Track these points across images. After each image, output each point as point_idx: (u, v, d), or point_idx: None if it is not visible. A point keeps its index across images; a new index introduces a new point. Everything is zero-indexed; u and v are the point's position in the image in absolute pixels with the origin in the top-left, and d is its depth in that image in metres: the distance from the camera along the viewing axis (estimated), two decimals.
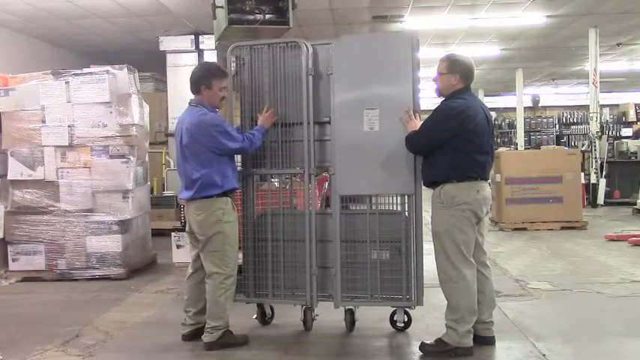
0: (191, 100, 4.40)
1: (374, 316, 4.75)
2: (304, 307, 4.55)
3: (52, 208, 6.69)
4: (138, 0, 9.21)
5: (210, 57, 7.84)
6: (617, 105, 23.04)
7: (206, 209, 4.24)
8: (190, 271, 4.49)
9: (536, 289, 5.79)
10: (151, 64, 11.21)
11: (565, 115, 23.76)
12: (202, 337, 4.29)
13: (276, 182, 5.07)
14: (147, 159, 7.55)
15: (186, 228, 4.47)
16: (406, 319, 4.52)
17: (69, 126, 6.64)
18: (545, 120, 23.62)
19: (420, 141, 4.11)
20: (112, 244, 6.65)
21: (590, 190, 12.19)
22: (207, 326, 4.28)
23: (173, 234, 7.06)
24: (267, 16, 5.07)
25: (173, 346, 4.36)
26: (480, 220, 4.12)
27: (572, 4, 10.24)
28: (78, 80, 6.66)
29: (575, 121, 23.50)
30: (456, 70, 4.13)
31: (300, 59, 4.44)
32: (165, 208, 9.38)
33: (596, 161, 12.31)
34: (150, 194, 8.03)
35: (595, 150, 12.36)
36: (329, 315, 4.66)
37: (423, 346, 4.08)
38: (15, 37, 10.90)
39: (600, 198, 12.26)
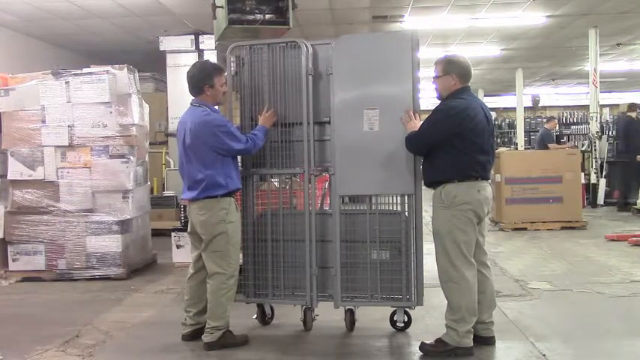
0: (193, 100, 4.40)
1: (374, 316, 4.76)
2: (304, 307, 4.55)
3: (52, 208, 6.69)
4: (138, 0, 9.22)
5: (210, 57, 7.83)
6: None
7: (209, 209, 4.24)
8: (191, 271, 4.49)
9: (536, 289, 5.78)
10: (151, 64, 11.21)
11: (565, 115, 23.76)
12: (202, 337, 4.29)
13: (276, 182, 5.08)
14: (147, 159, 7.55)
15: (188, 228, 4.47)
16: (406, 319, 4.52)
17: (69, 126, 6.64)
18: (545, 120, 23.60)
19: (420, 141, 4.12)
20: (112, 244, 6.65)
21: (590, 190, 12.19)
22: (207, 326, 4.28)
23: (173, 234, 7.06)
24: (267, 16, 5.06)
25: (173, 346, 4.36)
26: (481, 220, 4.12)
27: (572, 4, 10.24)
28: (78, 80, 6.66)
29: (575, 121, 23.50)
30: (453, 70, 4.13)
31: (300, 59, 4.44)
32: (165, 208, 9.37)
33: (596, 161, 12.30)
34: (150, 194, 8.03)
35: (595, 150, 12.36)
36: (329, 315, 4.66)
37: (423, 346, 4.08)
38: (15, 37, 10.90)
39: (600, 198, 12.25)
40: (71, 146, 6.66)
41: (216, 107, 4.48)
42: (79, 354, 4.26)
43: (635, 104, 11.98)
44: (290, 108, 4.51)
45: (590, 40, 12.12)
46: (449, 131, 4.01)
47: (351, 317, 4.57)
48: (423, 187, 4.28)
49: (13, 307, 5.70)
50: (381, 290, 4.36)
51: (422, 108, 4.33)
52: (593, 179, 12.22)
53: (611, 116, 22.00)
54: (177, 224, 7.34)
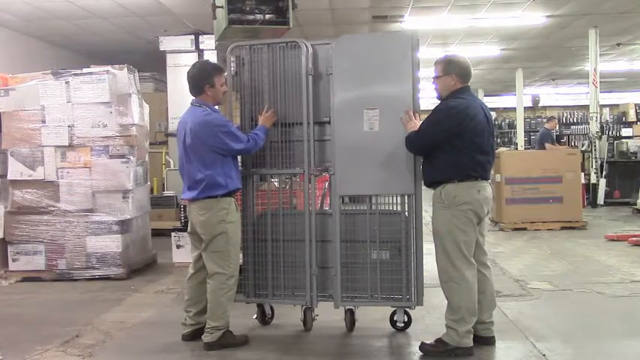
0: (193, 100, 4.40)
1: (374, 316, 4.76)
2: (304, 307, 4.55)
3: (52, 208, 6.69)
4: (138, 0, 9.22)
5: (210, 57, 7.83)
6: (617, 105, 23.05)
7: (209, 209, 4.24)
8: (191, 271, 4.49)
9: (536, 289, 5.78)
10: (150, 64, 11.20)
11: (565, 115, 23.77)
12: (202, 337, 4.29)
13: (276, 182, 5.07)
14: (147, 159, 7.55)
15: (189, 228, 4.47)
16: (406, 319, 4.52)
17: (69, 126, 6.64)
18: (545, 120, 23.61)
19: (420, 141, 4.11)
20: (112, 244, 6.65)
21: (590, 190, 12.19)
22: (207, 326, 4.28)
23: (173, 234, 7.06)
24: (267, 16, 5.06)
25: (173, 346, 4.36)
26: (481, 220, 4.12)
27: (572, 4, 10.24)
28: (78, 80, 6.66)
29: (575, 121, 23.51)
30: (452, 70, 4.13)
31: (300, 59, 4.44)
32: (165, 208, 9.37)
33: (596, 161, 12.31)
34: (150, 194, 8.03)
35: (595, 150, 12.36)
36: (329, 315, 4.66)
37: (423, 346, 4.08)
38: (15, 37, 10.90)
39: (600, 198, 12.26)
40: (71, 146, 6.66)
41: (217, 107, 4.48)
42: (79, 354, 4.26)
43: None
44: (290, 108, 4.50)
45: (590, 40, 12.12)
46: (449, 131, 4.01)
47: (351, 317, 4.57)
48: (423, 187, 4.28)
49: (13, 307, 5.70)
50: (381, 290, 4.36)
51: (422, 108, 4.33)
52: (593, 179, 12.23)
53: (611, 116, 22.05)
54: (177, 224, 7.34)
